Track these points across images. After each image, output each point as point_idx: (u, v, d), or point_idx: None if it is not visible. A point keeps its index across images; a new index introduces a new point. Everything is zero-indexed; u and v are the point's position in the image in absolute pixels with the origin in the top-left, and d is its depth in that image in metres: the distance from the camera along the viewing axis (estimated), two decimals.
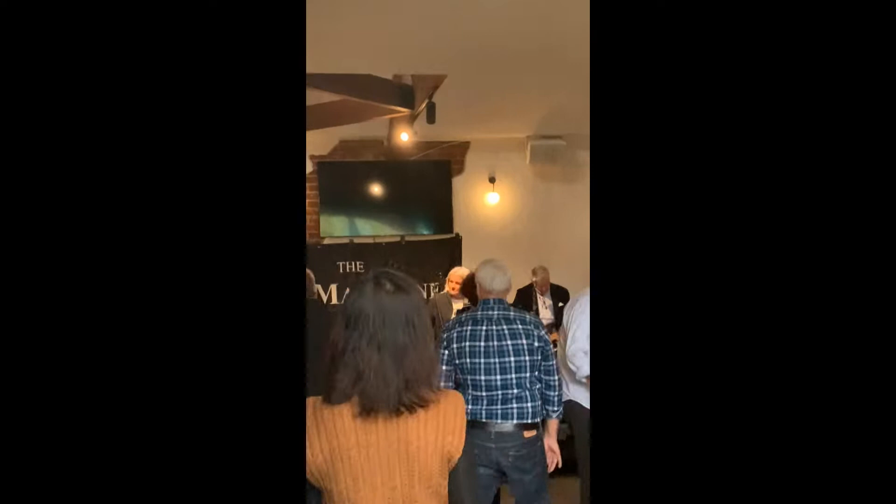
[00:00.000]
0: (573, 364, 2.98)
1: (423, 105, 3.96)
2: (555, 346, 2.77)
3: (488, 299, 2.55)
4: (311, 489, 1.18)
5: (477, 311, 2.56)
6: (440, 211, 5.69)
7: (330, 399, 1.17)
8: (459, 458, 1.19)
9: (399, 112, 4.23)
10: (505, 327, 2.48)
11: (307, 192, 5.51)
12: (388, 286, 1.19)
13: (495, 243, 5.20)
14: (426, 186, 5.66)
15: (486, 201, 5.76)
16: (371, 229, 5.59)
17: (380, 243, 5.55)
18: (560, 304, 4.71)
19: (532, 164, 5.55)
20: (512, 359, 2.45)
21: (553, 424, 2.61)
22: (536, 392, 2.52)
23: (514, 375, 2.44)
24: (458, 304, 4.02)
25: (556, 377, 2.54)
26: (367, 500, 1.14)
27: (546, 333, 2.56)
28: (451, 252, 5.60)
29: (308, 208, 5.52)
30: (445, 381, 2.50)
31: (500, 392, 2.44)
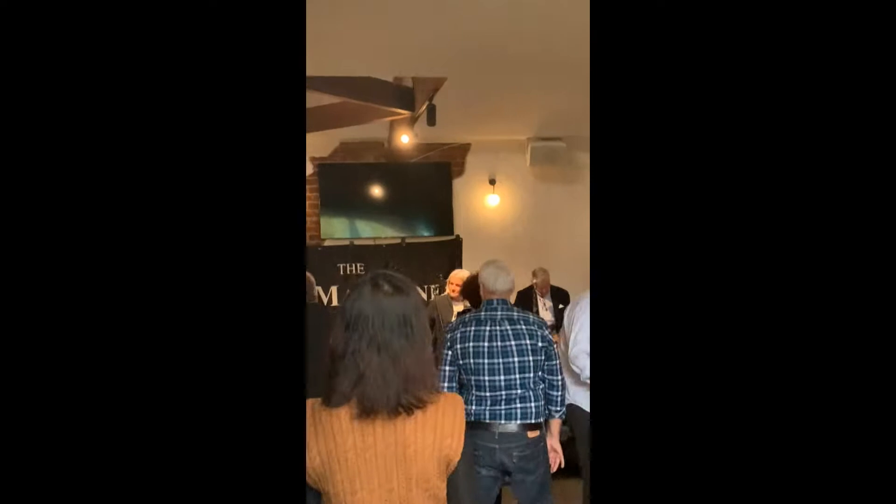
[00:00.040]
0: (576, 366, 2.98)
1: (424, 107, 3.97)
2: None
3: (492, 300, 2.55)
4: (311, 491, 1.18)
5: (480, 311, 2.56)
6: (440, 213, 5.69)
7: (330, 402, 1.17)
8: (458, 462, 1.19)
9: (399, 114, 4.23)
10: (509, 328, 2.48)
11: (308, 193, 5.52)
12: (387, 287, 1.19)
13: (496, 245, 5.20)
14: (426, 188, 5.67)
15: (486, 203, 5.76)
16: (371, 231, 5.59)
17: (380, 245, 5.55)
18: (560, 306, 4.71)
19: (532, 166, 5.55)
20: (516, 359, 2.45)
21: (556, 424, 2.61)
22: (540, 392, 2.52)
23: (517, 376, 2.44)
24: (458, 307, 4.02)
25: (560, 377, 2.54)
26: (363, 503, 1.14)
27: (549, 333, 2.56)
28: (452, 254, 5.61)
29: (308, 210, 5.52)
30: (449, 382, 2.50)
31: (503, 392, 2.44)
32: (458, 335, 2.51)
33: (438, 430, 1.17)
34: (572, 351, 2.99)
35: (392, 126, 4.92)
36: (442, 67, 3.52)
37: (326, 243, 5.54)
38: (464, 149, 5.74)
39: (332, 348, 1.18)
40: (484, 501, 2.47)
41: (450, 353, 2.51)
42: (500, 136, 5.49)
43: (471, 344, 2.47)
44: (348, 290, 1.26)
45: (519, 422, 2.44)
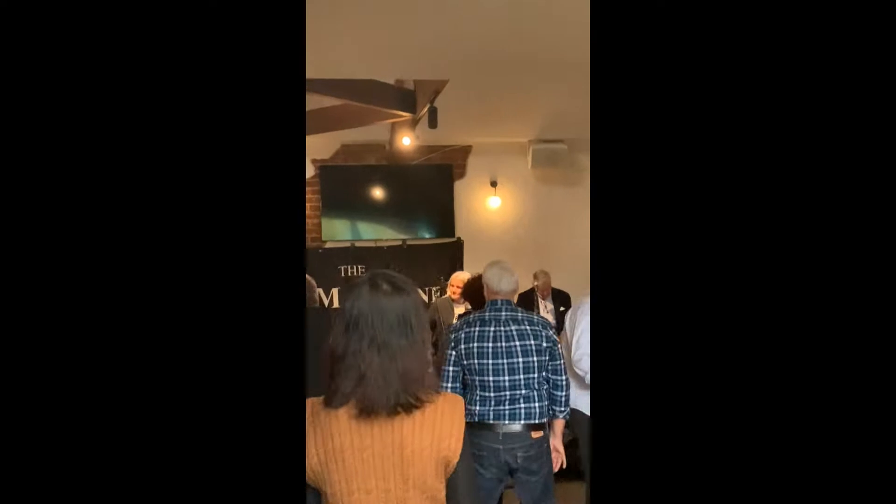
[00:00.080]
0: (580, 369, 2.97)
1: (425, 109, 3.97)
2: None
3: (496, 300, 2.55)
4: (311, 490, 1.18)
5: (485, 312, 2.56)
6: (442, 215, 5.69)
7: (331, 403, 1.17)
8: (458, 463, 1.18)
9: (401, 116, 4.24)
10: (513, 328, 2.49)
11: (309, 195, 5.52)
12: (386, 287, 1.19)
13: (497, 247, 5.20)
14: (428, 190, 5.67)
15: (487, 205, 5.77)
16: (373, 233, 5.59)
17: (381, 247, 5.55)
18: (562, 309, 4.71)
19: (534, 168, 5.55)
20: (520, 359, 2.45)
21: (559, 425, 2.61)
22: (544, 392, 2.52)
23: (522, 376, 2.45)
24: (459, 309, 4.02)
25: (564, 377, 2.54)
26: (360, 503, 1.14)
27: (554, 333, 2.56)
28: (453, 256, 5.61)
29: (310, 212, 5.52)
30: (452, 382, 2.50)
31: (507, 393, 2.44)
32: (463, 335, 2.51)
33: (437, 431, 1.16)
34: (575, 354, 2.99)
35: (393, 128, 4.92)
36: (443, 69, 3.53)
37: (327, 245, 5.54)
38: (465, 151, 5.74)
39: (332, 349, 1.18)
40: (487, 503, 2.47)
41: (454, 353, 2.51)
42: (502, 139, 5.49)
43: (475, 344, 2.47)
44: (347, 291, 1.25)
45: (523, 422, 2.44)
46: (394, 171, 5.58)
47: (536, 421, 2.47)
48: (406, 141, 4.75)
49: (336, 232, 5.56)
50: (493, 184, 5.76)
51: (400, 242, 5.59)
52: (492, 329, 2.49)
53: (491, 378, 2.44)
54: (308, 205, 5.52)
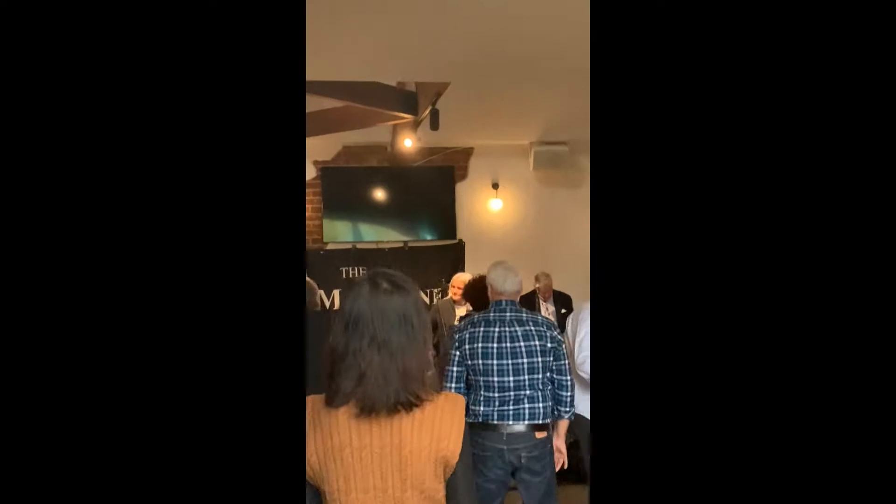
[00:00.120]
0: (584, 371, 2.97)
1: (427, 111, 3.97)
2: None
3: (500, 300, 2.56)
4: (311, 488, 1.19)
5: (489, 312, 2.56)
6: (443, 217, 5.69)
7: (332, 402, 1.17)
8: (457, 463, 1.18)
9: (403, 118, 4.24)
10: (518, 329, 2.49)
11: (311, 197, 5.52)
12: (385, 285, 1.19)
13: (498, 249, 5.19)
14: (429, 192, 5.67)
15: (489, 207, 5.77)
16: (374, 235, 5.59)
17: (383, 249, 5.55)
18: (563, 311, 4.71)
19: (536, 170, 5.55)
20: (525, 360, 2.45)
21: (563, 425, 2.61)
22: (548, 393, 2.52)
23: (526, 377, 2.45)
24: (460, 310, 4.02)
25: (569, 377, 2.54)
26: (357, 503, 1.14)
27: (559, 334, 2.57)
28: (455, 258, 5.61)
29: (311, 213, 5.53)
30: (456, 383, 2.50)
31: (512, 393, 2.44)
32: (467, 335, 2.51)
33: (436, 431, 1.16)
34: (578, 357, 2.99)
35: (395, 130, 4.92)
36: (445, 72, 3.53)
37: (329, 247, 5.54)
38: (467, 153, 5.74)
39: (332, 348, 1.18)
40: None
41: (458, 353, 2.51)
42: (504, 140, 5.49)
43: (479, 344, 2.47)
44: (347, 290, 1.25)
45: (527, 422, 2.45)
46: (395, 172, 5.58)
47: (540, 421, 2.47)
48: (408, 143, 4.75)
49: (337, 233, 5.56)
50: (495, 185, 5.76)
51: (401, 244, 5.59)
52: (496, 329, 2.49)
53: (496, 378, 2.44)
54: (310, 206, 5.52)
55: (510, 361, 2.44)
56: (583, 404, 3.01)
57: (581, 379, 2.99)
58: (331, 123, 4.29)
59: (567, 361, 2.56)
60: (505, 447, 2.42)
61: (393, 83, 3.98)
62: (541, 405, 2.48)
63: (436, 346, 3.49)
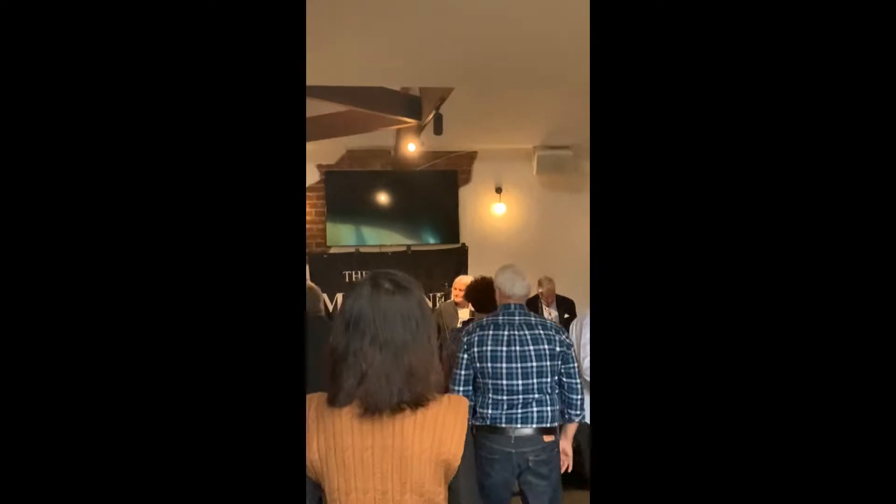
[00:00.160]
0: (588, 377, 2.97)
1: (431, 116, 3.98)
2: None
3: (509, 304, 2.56)
4: (311, 482, 1.19)
5: (498, 316, 2.56)
6: (447, 221, 5.69)
7: (335, 402, 1.17)
8: (459, 466, 1.18)
9: (406, 123, 4.25)
10: (527, 332, 2.50)
11: (314, 200, 5.53)
12: (387, 286, 1.19)
13: (501, 253, 5.19)
14: (433, 196, 5.67)
15: (492, 211, 5.77)
16: (377, 238, 5.60)
17: (386, 253, 5.55)
18: (566, 316, 4.70)
19: (539, 174, 5.55)
20: (534, 364, 2.46)
21: (572, 428, 2.61)
22: (556, 396, 2.52)
23: (535, 380, 2.45)
24: (463, 313, 4.02)
25: (578, 381, 2.54)
26: (356, 503, 1.15)
27: (567, 338, 2.57)
28: (458, 262, 5.61)
29: (315, 217, 5.54)
30: (464, 386, 2.51)
31: (521, 396, 2.45)
32: (476, 338, 2.51)
33: (438, 433, 1.16)
34: (585, 362, 2.99)
35: (399, 134, 4.93)
36: (449, 76, 3.53)
37: (332, 250, 5.55)
38: (470, 157, 5.75)
39: (332, 348, 1.18)
40: None
41: (465, 356, 2.51)
42: (507, 145, 5.49)
43: (488, 348, 2.48)
44: (348, 291, 1.25)
45: (535, 426, 2.45)
46: (399, 176, 5.59)
47: (548, 425, 2.48)
48: (411, 147, 4.76)
49: (341, 237, 5.56)
50: (498, 190, 5.76)
51: (405, 248, 5.60)
52: (506, 333, 2.49)
53: (504, 382, 2.44)
54: (313, 210, 5.53)
55: (519, 365, 2.45)
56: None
57: (585, 383, 2.99)
58: (335, 128, 4.30)
59: (576, 365, 2.56)
60: (513, 450, 2.43)
61: (397, 88, 3.99)
62: (549, 409, 2.48)
63: (439, 349, 3.48)
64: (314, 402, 1.19)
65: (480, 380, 2.50)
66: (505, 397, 2.45)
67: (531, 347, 2.47)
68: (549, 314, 4.82)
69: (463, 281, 4.14)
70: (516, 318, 2.53)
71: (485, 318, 2.63)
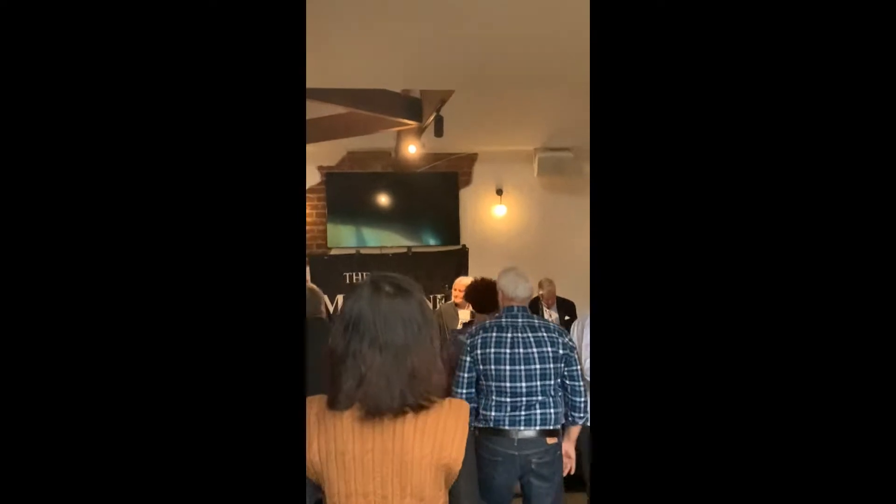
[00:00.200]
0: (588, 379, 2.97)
1: (431, 118, 3.98)
2: None
3: (512, 306, 2.57)
4: (312, 484, 1.19)
5: (501, 318, 2.57)
6: (447, 222, 5.70)
7: (334, 404, 1.17)
8: (461, 471, 1.18)
9: (407, 125, 4.25)
10: (530, 335, 2.50)
11: (315, 202, 5.54)
12: (388, 288, 1.19)
13: (502, 255, 5.19)
14: (433, 198, 5.67)
15: (493, 213, 5.77)
16: (378, 240, 5.60)
17: (386, 254, 5.56)
18: (567, 318, 4.70)
19: (540, 176, 5.55)
20: (538, 366, 2.46)
21: (575, 431, 2.61)
22: (559, 399, 2.53)
23: (539, 383, 2.46)
24: (463, 314, 4.02)
25: (581, 383, 2.54)
26: None
27: (570, 341, 2.57)
28: (458, 263, 5.61)
29: (315, 218, 5.54)
30: (467, 388, 2.51)
31: (524, 399, 2.45)
32: (479, 341, 2.52)
33: (438, 438, 1.16)
34: (586, 364, 3.00)
35: (399, 136, 4.93)
36: (450, 77, 3.53)
37: (333, 252, 5.55)
38: (471, 159, 5.75)
39: (331, 350, 1.18)
40: None
41: (468, 358, 2.52)
42: (508, 147, 5.50)
43: (492, 350, 2.48)
44: (348, 293, 1.26)
45: (538, 428, 2.46)
46: (399, 178, 5.59)
47: (551, 427, 2.49)
48: (412, 149, 4.76)
49: (341, 239, 5.57)
50: (499, 191, 5.76)
51: (405, 250, 5.60)
52: (509, 335, 2.50)
53: (508, 384, 2.45)
54: (314, 211, 5.54)
55: (523, 367, 2.45)
56: None
57: (586, 384, 2.99)
58: (335, 129, 4.31)
59: (578, 367, 2.56)
60: (516, 452, 2.43)
61: (398, 90, 4.00)
62: (552, 411, 2.48)
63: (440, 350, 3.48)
64: (315, 405, 1.19)
65: (484, 382, 2.50)
66: (508, 399, 2.45)
67: (535, 350, 2.47)
68: (550, 316, 4.82)
69: (463, 282, 4.14)
70: (519, 320, 2.54)
71: (488, 321, 2.63)
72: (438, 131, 3.94)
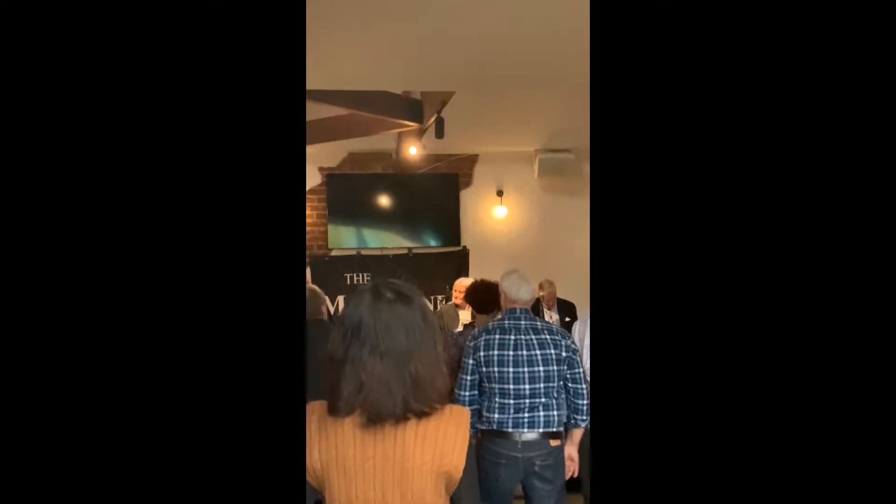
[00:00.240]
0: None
1: (432, 119, 3.98)
2: None
3: (514, 309, 2.57)
4: (310, 487, 1.19)
5: (504, 320, 2.57)
6: (448, 223, 5.70)
7: (334, 412, 1.16)
8: (462, 478, 1.18)
9: (408, 126, 4.25)
10: (533, 337, 2.50)
11: (316, 203, 5.54)
12: (389, 295, 1.19)
13: (503, 256, 5.19)
14: (434, 199, 5.68)
15: (493, 214, 5.77)
16: (379, 241, 5.60)
17: (387, 255, 5.56)
18: (567, 319, 4.70)
19: (540, 177, 5.55)
20: (541, 368, 2.46)
21: (578, 433, 2.61)
22: (562, 401, 2.53)
23: (542, 385, 2.46)
24: (464, 315, 4.02)
25: (584, 386, 2.54)
26: None
27: (573, 343, 2.58)
28: (459, 265, 5.61)
29: (316, 220, 5.55)
30: (470, 391, 2.52)
31: (527, 401, 2.45)
32: (482, 343, 2.52)
33: (439, 445, 1.16)
34: (586, 365, 2.99)
35: (400, 137, 4.94)
36: (451, 78, 3.54)
37: (333, 253, 5.55)
38: (472, 160, 5.75)
39: (330, 355, 1.18)
40: None
41: (471, 361, 2.52)
42: (509, 148, 5.50)
43: (495, 352, 2.49)
44: (348, 299, 1.26)
45: (542, 430, 2.46)
46: (400, 179, 5.59)
47: (555, 429, 2.49)
48: (413, 150, 4.76)
49: (342, 240, 5.57)
50: (500, 193, 5.76)
51: (406, 251, 5.60)
52: (512, 337, 2.50)
53: (511, 386, 2.45)
54: (315, 212, 5.54)
55: (526, 369, 2.45)
56: None
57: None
58: (336, 131, 4.31)
59: (581, 370, 2.57)
60: (520, 455, 2.43)
61: (399, 92, 4.00)
62: (555, 413, 2.49)
63: None
64: (316, 411, 1.19)
65: (487, 384, 2.51)
66: (512, 401, 2.45)
67: (538, 352, 2.47)
68: (551, 317, 4.81)
69: (464, 283, 4.13)
70: (522, 322, 2.54)
71: (490, 323, 2.63)
72: (439, 133, 3.94)
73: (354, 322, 1.17)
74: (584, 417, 2.54)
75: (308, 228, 5.46)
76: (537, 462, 2.44)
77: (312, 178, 5.52)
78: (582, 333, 3.09)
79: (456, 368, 2.59)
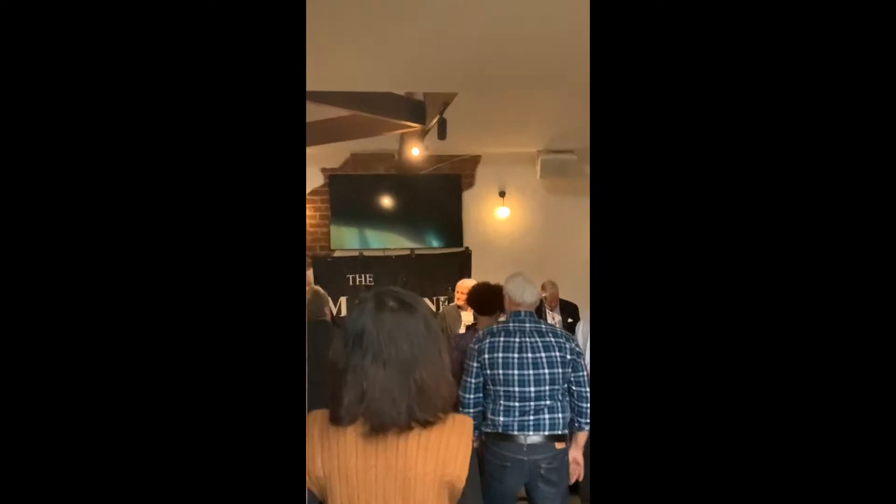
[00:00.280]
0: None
1: (434, 120, 3.99)
2: None
3: (519, 311, 2.57)
4: (310, 493, 1.19)
5: (508, 323, 2.57)
6: (450, 224, 5.70)
7: (336, 420, 1.16)
8: (465, 488, 1.17)
9: (410, 127, 4.26)
10: (538, 340, 2.50)
11: (319, 204, 5.55)
12: (392, 303, 1.18)
13: (505, 257, 5.20)
14: (436, 200, 5.68)
15: (496, 215, 5.77)
16: (381, 242, 5.61)
17: (389, 256, 5.56)
18: (570, 320, 4.69)
19: (543, 178, 5.55)
20: (546, 371, 2.46)
21: (583, 437, 2.61)
22: (567, 403, 2.53)
23: (547, 387, 2.46)
24: (466, 316, 4.01)
25: (587, 389, 2.54)
26: None
27: (577, 346, 2.58)
28: (461, 266, 5.61)
29: (319, 220, 5.55)
30: (475, 394, 2.52)
31: (532, 403, 2.45)
32: (487, 346, 2.52)
33: (441, 454, 1.15)
34: (589, 366, 2.99)
35: (403, 138, 4.94)
36: (452, 79, 3.54)
37: (336, 254, 5.56)
38: (474, 161, 5.75)
39: (331, 363, 1.17)
40: None
41: (476, 363, 2.52)
42: (511, 149, 5.50)
43: (500, 354, 2.49)
44: (351, 308, 1.26)
45: (547, 433, 2.46)
46: (402, 180, 5.60)
47: (559, 432, 2.48)
48: (415, 151, 4.76)
49: (345, 240, 5.57)
50: (502, 194, 5.76)
51: (408, 252, 5.60)
52: (517, 340, 2.50)
53: (517, 389, 2.45)
54: (317, 213, 5.55)
55: (531, 372, 2.45)
56: None
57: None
58: (339, 132, 4.32)
59: (585, 373, 2.56)
60: (525, 458, 2.43)
61: (401, 93, 4.01)
62: (560, 416, 2.48)
63: None
64: (319, 419, 1.18)
65: (491, 387, 2.51)
66: (517, 404, 2.45)
67: (543, 354, 2.47)
68: (553, 318, 4.81)
69: (466, 284, 4.13)
70: (527, 325, 2.54)
71: (495, 326, 2.63)
72: (441, 134, 3.95)
73: (357, 330, 1.16)
74: (589, 420, 2.54)
75: (310, 229, 5.47)
76: (543, 465, 2.44)
77: (315, 179, 5.53)
78: (585, 334, 3.09)
79: (457, 371, 2.59)
